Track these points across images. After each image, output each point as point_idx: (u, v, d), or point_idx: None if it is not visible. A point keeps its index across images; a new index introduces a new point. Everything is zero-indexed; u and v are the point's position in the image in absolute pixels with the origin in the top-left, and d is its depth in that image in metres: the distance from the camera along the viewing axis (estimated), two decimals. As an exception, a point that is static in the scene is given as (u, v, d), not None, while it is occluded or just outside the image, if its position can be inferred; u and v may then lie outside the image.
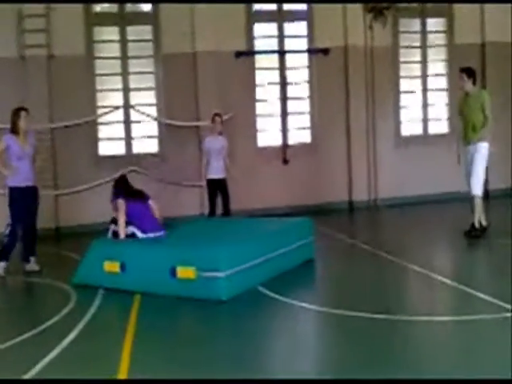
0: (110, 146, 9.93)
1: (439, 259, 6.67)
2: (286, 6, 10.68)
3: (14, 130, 6.49)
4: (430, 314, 4.33)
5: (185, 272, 5.02)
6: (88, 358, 3.83)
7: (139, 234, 5.85)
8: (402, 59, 11.14)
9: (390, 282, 5.58)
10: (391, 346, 3.76)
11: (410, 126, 11.25)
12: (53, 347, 3.92)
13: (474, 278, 5.60)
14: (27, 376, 3.43)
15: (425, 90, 11.25)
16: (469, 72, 7.15)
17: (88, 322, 4.57)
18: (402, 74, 11.15)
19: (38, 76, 9.40)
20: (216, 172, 7.99)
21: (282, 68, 10.65)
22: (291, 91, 10.71)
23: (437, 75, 11.29)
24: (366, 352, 3.62)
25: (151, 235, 5.89)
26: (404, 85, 11.20)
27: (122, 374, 3.41)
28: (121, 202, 5.93)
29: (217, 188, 8.02)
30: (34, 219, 6.63)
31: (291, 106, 10.73)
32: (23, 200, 6.43)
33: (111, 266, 5.52)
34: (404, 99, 11.21)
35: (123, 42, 10.02)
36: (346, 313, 4.41)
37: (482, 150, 6.90)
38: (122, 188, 6.18)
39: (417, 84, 11.25)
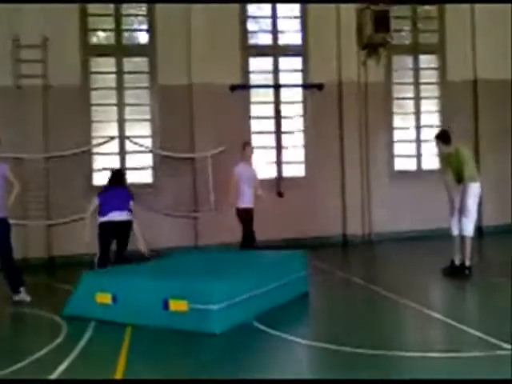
0: (104, 176, 9.87)
1: (432, 295, 6.61)
2: (282, 41, 10.88)
3: None
4: (424, 350, 4.24)
5: (177, 305, 4.95)
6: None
7: (100, 219, 6.92)
8: (395, 95, 11.31)
9: (383, 317, 5.48)
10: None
11: (404, 161, 11.34)
12: (43, 378, 3.81)
13: (467, 314, 5.53)
14: None
15: (418, 126, 11.39)
16: (443, 138, 7.15)
17: (78, 354, 4.44)
18: (395, 110, 11.30)
19: (33, 106, 9.47)
20: (248, 201, 8.00)
21: (277, 102, 10.77)
22: (285, 125, 10.80)
23: (429, 112, 11.45)
24: None
25: (111, 215, 6.94)
26: (397, 121, 11.34)
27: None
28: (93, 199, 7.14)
29: (248, 217, 8.00)
30: (5, 248, 6.44)
31: (285, 139, 10.80)
32: None
33: (103, 298, 5.43)
34: (397, 135, 11.32)
35: (119, 73, 10.12)
36: (338, 348, 4.32)
37: (473, 190, 6.93)
38: (109, 181, 7.38)
39: (410, 120, 11.39)
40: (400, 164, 11.29)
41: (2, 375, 3.97)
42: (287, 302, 5.85)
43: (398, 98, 11.37)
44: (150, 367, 4.18)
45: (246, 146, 8.19)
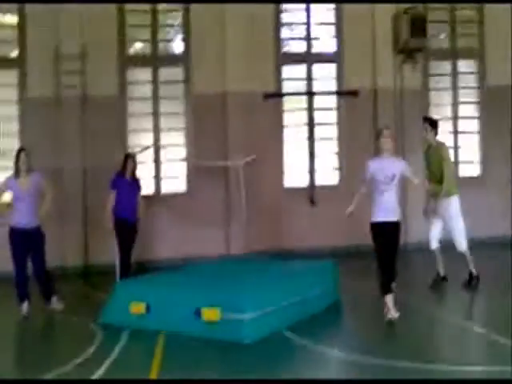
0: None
1: (475, 308, 6.43)
2: (316, 48, 10.82)
3: (15, 172, 6.56)
4: (468, 363, 4.09)
5: (210, 313, 4.98)
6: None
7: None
8: (432, 101, 11.08)
9: (418, 329, 5.38)
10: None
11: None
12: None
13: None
14: None
15: (455, 132, 11.12)
16: (431, 122, 7.09)
17: (113, 362, 4.51)
18: (432, 116, 11.04)
19: (72, 116, 9.66)
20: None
21: (311, 109, 10.70)
22: (319, 132, 10.72)
23: (468, 118, 11.17)
24: None
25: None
26: (434, 127, 11.08)
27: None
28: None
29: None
30: (40, 260, 6.60)
31: (319, 147, 10.72)
32: (20, 240, 6.43)
33: (137, 308, 5.51)
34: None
35: (155, 82, 10.25)
36: (371, 360, 4.23)
37: (453, 205, 6.85)
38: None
39: (447, 126, 11.13)
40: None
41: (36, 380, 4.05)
42: (320, 312, 5.80)
43: (434, 105, 11.13)
44: (183, 375, 4.19)
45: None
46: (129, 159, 7.90)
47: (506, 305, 5.87)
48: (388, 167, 5.46)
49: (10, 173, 6.53)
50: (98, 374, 4.17)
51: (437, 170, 7.09)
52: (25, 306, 6.46)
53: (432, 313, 5.84)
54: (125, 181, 7.81)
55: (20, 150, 6.70)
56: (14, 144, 9.53)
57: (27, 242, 6.48)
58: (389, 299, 5.35)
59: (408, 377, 3.92)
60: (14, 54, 9.93)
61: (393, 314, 5.29)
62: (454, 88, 11.15)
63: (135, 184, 7.95)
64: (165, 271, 6.93)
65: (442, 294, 6.99)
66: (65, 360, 4.56)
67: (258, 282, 5.59)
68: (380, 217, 5.50)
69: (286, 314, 5.35)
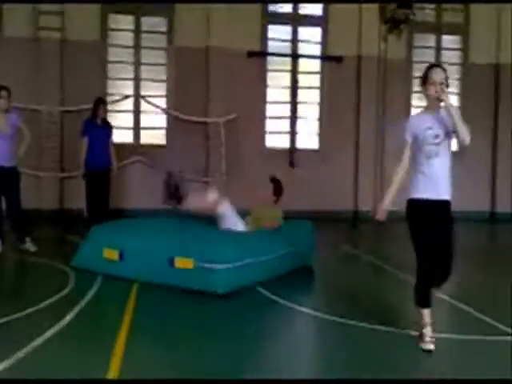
0: (118, 134, 9.81)
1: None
2: (302, 10, 10.69)
3: None
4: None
5: (183, 262, 4.93)
6: (84, 338, 3.75)
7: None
8: (414, 74, 11.13)
9: (387, 293, 5.46)
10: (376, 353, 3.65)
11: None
12: (50, 326, 3.82)
13: (476, 298, 5.47)
14: (20, 353, 3.32)
15: (435, 106, 11.22)
16: None
17: (84, 306, 4.43)
18: (414, 88, 11.14)
19: (51, 58, 9.37)
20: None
21: (294, 71, 10.62)
22: (302, 95, 10.67)
23: (449, 93, 11.24)
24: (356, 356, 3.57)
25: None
26: (415, 100, 11.19)
27: (116, 356, 3.32)
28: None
29: None
30: (15, 199, 6.48)
31: (301, 110, 10.69)
32: None
33: (110, 254, 5.41)
34: (414, 113, 11.15)
35: (137, 31, 9.98)
36: (339, 320, 4.30)
37: None
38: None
39: (428, 100, 11.22)
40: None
41: (8, 320, 3.99)
42: (292, 271, 5.75)
43: (417, 77, 11.17)
44: (155, 325, 4.16)
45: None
46: (99, 104, 7.68)
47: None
48: (438, 124, 3.78)
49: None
50: (70, 315, 4.12)
51: None
52: None
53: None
54: (96, 126, 7.65)
55: (1, 88, 6.43)
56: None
57: (3, 180, 6.33)
58: (426, 316, 3.74)
59: (369, 336, 3.98)
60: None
61: (429, 345, 3.66)
62: (438, 62, 11.21)
63: (107, 129, 7.81)
64: (139, 219, 6.82)
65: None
66: (37, 300, 4.48)
67: (232, 236, 5.47)
68: (427, 193, 3.75)
69: (259, 269, 5.27)
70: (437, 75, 3.78)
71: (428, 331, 3.69)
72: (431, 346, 3.62)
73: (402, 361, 3.55)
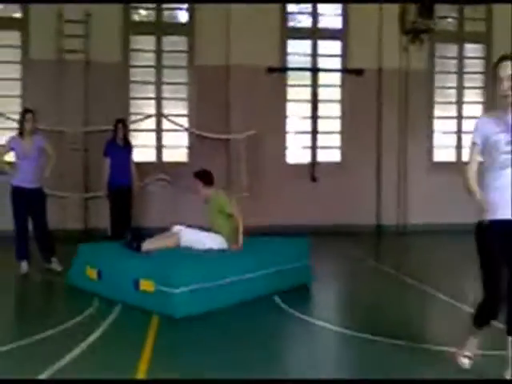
0: (141, 153, 9.97)
1: (465, 289, 6.45)
2: (321, 24, 10.71)
3: (20, 132, 6.56)
4: (450, 344, 4.08)
5: (145, 285, 4.92)
6: (109, 356, 3.85)
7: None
8: (437, 84, 11.02)
9: (409, 308, 5.39)
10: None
11: (443, 152, 11.07)
12: (75, 345, 3.92)
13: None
14: (48, 372, 3.39)
15: (459, 116, 11.08)
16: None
17: (110, 324, 4.54)
18: (436, 99, 11.01)
19: (74, 80, 9.57)
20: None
21: (314, 85, 10.61)
22: (322, 109, 10.66)
23: (472, 103, 11.12)
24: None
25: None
26: (438, 110, 11.06)
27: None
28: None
29: None
30: (41, 220, 6.63)
31: (321, 124, 10.67)
32: (22, 200, 6.45)
33: (91, 273, 5.56)
34: (438, 125, 11.05)
35: (158, 51, 10.14)
36: (362, 335, 4.26)
37: None
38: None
39: (451, 110, 11.09)
40: (439, 155, 11.03)
41: (32, 341, 4.05)
42: (279, 291, 5.52)
43: (439, 87, 11.08)
44: (180, 334, 4.22)
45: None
46: (119, 124, 7.90)
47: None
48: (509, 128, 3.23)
49: (11, 134, 6.54)
50: (94, 336, 4.18)
51: None
52: (24, 264, 6.50)
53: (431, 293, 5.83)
54: (117, 147, 7.84)
55: (26, 111, 6.68)
56: (16, 106, 9.51)
57: (29, 201, 6.49)
58: (477, 335, 3.50)
59: (390, 352, 3.94)
60: (18, 14, 9.78)
61: (464, 361, 3.52)
62: (460, 72, 11.08)
63: (127, 149, 7.98)
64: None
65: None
66: (65, 318, 4.59)
67: (202, 257, 5.28)
68: (505, 212, 3.16)
69: (226, 291, 5.04)
70: (504, 70, 3.21)
71: (470, 348, 3.49)
72: (466, 364, 3.48)
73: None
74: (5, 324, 4.76)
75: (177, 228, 5.64)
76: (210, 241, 5.58)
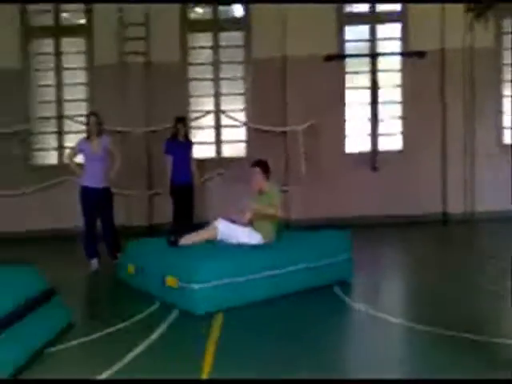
0: (201, 149, 10.18)
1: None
2: (380, 8, 10.42)
3: (87, 134, 6.90)
4: None
5: (171, 281, 5.00)
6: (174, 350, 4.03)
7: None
8: (505, 61, 10.43)
9: (480, 302, 5.20)
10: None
11: (512, 133, 10.50)
12: (141, 340, 4.11)
13: None
14: (116, 367, 3.60)
15: (531, 93, 10.45)
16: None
17: (174, 320, 4.67)
18: (505, 77, 10.43)
19: (136, 82, 9.91)
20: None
21: (374, 71, 10.36)
22: (383, 95, 10.40)
23: None
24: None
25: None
26: (508, 89, 10.48)
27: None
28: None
29: None
30: (108, 218, 6.93)
31: (382, 110, 10.42)
32: (90, 200, 6.76)
33: (130, 269, 5.79)
34: (508, 104, 10.47)
35: (216, 47, 10.29)
36: (423, 328, 4.19)
37: None
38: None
39: (522, 88, 10.48)
40: (510, 136, 10.46)
41: (98, 336, 4.31)
42: (316, 288, 5.42)
43: (508, 64, 10.47)
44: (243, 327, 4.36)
45: None
46: (179, 123, 8.06)
47: None
48: None
49: (79, 136, 6.92)
50: (160, 330, 4.38)
51: None
52: (94, 261, 6.86)
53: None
54: (178, 144, 8.01)
55: (91, 114, 7.04)
56: (83, 110, 10.02)
57: (97, 201, 6.81)
58: None
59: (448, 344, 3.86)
60: (83, 21, 10.25)
61: None
62: (530, 46, 10.42)
63: (188, 146, 8.15)
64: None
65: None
66: (135, 312, 4.86)
67: (227, 252, 5.24)
68: None
69: (250, 287, 4.98)
70: None
71: None
72: None
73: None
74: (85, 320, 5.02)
75: (216, 222, 5.69)
76: (245, 236, 5.55)
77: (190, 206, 8.15)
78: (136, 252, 5.96)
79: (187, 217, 8.05)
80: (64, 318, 4.51)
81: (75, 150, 6.96)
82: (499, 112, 10.43)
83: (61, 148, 10.20)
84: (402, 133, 10.44)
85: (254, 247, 5.48)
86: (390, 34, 10.49)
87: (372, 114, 10.33)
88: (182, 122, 8.14)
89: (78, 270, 6.85)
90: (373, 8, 10.40)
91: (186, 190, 8.06)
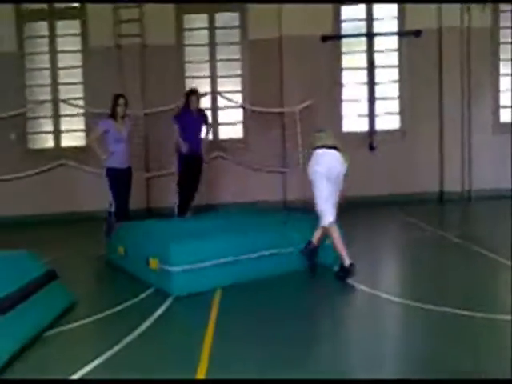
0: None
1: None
2: (377, -13, 10.33)
3: (113, 115, 6.84)
4: None
5: (153, 263, 5.05)
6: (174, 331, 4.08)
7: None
8: (502, 40, 10.38)
9: (479, 276, 5.23)
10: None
11: (510, 112, 10.49)
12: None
13: None
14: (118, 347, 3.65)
15: (527, 73, 10.43)
16: None
17: (172, 303, 4.69)
18: (501, 56, 10.40)
19: (132, 64, 9.86)
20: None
21: (370, 51, 10.32)
22: (379, 75, 10.37)
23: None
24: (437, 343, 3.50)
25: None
26: (504, 68, 10.45)
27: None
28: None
29: None
30: (126, 198, 6.93)
31: (379, 90, 10.39)
32: (119, 179, 6.79)
33: (120, 250, 5.84)
34: (504, 83, 10.46)
35: (211, 29, 10.21)
36: (427, 306, 4.25)
37: None
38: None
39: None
40: (506, 115, 10.46)
41: (98, 317, 4.36)
42: (285, 273, 5.31)
43: (504, 43, 10.43)
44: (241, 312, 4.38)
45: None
46: (192, 96, 7.69)
47: None
48: None
49: (75, 120, 6.87)
50: (160, 310, 4.44)
51: None
52: None
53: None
54: (190, 116, 7.67)
55: (119, 96, 6.91)
56: (79, 92, 9.97)
57: (123, 180, 6.83)
58: None
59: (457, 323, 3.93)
60: (76, 4, 10.15)
61: None
62: (528, 26, 10.37)
63: (200, 119, 7.84)
64: (153, 219, 7.18)
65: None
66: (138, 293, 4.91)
67: (206, 234, 5.19)
68: None
69: (227, 270, 4.99)
70: None
71: None
72: None
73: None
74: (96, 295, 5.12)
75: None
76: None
77: (197, 179, 7.86)
78: (124, 234, 5.99)
79: (192, 189, 7.82)
80: (65, 300, 4.55)
81: (97, 133, 6.85)
82: (496, 91, 10.41)
83: (57, 132, 10.16)
84: (399, 112, 10.43)
85: (235, 230, 5.46)
86: (386, 14, 10.42)
87: (369, 94, 10.31)
88: (196, 94, 7.78)
89: (76, 253, 6.88)
90: (369, -13, 10.31)
91: (196, 161, 7.75)
